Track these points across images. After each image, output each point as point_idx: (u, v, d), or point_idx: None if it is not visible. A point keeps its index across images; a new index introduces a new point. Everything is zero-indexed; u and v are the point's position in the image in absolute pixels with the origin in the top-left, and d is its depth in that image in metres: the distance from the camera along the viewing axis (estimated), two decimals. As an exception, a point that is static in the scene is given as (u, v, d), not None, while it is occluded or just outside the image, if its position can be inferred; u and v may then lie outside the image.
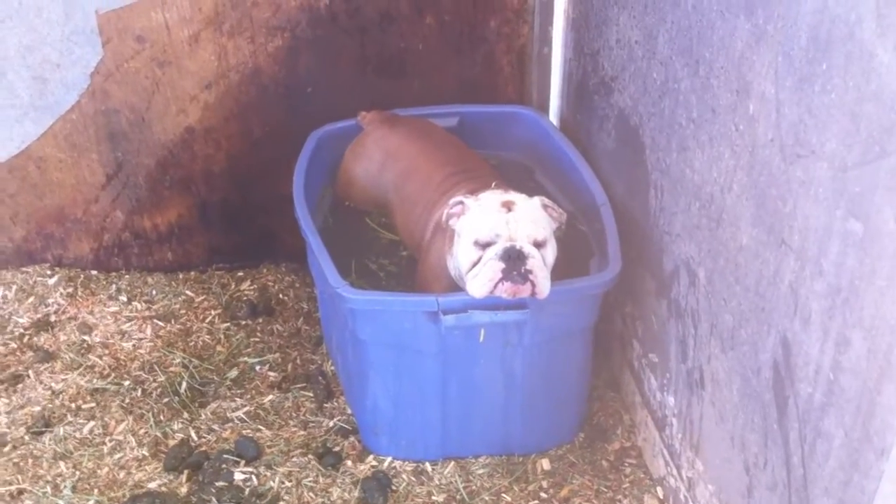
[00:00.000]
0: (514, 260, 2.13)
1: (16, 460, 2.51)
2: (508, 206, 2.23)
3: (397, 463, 2.52)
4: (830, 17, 1.44)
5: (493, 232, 2.18)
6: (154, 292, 3.09)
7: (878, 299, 1.39)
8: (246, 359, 2.84)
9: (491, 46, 2.99)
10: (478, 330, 2.25)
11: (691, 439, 2.20)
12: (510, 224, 2.19)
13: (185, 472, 2.48)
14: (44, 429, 2.60)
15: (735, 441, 1.94)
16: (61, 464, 2.50)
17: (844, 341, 1.48)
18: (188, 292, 3.10)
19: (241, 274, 3.18)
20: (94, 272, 3.15)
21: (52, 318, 2.96)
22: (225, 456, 2.51)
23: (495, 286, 2.14)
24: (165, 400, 2.69)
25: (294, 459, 2.51)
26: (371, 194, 2.76)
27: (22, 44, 2.76)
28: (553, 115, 3.09)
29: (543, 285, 2.15)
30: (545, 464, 2.52)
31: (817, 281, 1.55)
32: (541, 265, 2.15)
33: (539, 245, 2.18)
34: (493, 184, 2.44)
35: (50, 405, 2.67)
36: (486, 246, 2.18)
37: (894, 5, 1.28)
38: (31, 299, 3.03)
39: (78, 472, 2.48)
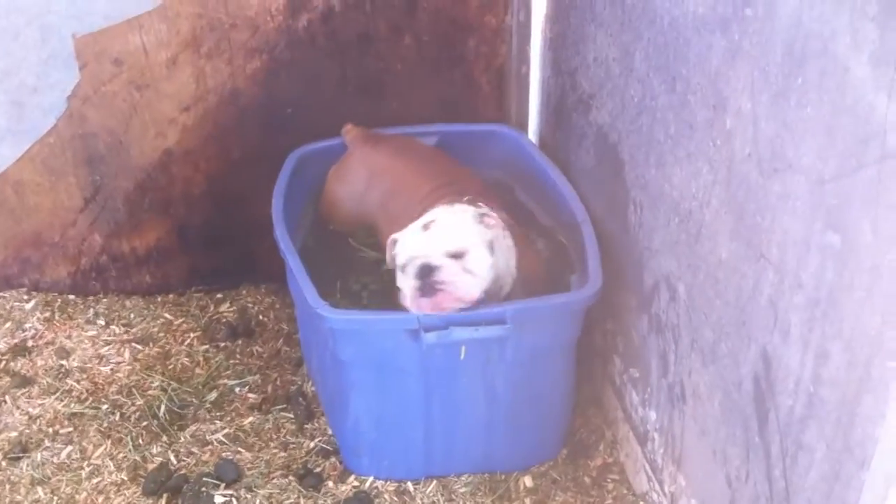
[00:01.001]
0: (425, 275, 2.20)
1: (-8, 487, 2.49)
2: (427, 226, 2.30)
3: (379, 483, 2.50)
4: (805, 33, 1.46)
5: (409, 255, 2.25)
6: (132, 315, 3.07)
7: (856, 311, 1.40)
8: (225, 381, 2.82)
9: (469, 66, 3.01)
10: (459, 347, 2.25)
11: (673, 454, 2.20)
12: (425, 243, 2.26)
13: (165, 495, 2.45)
14: (21, 454, 2.57)
15: (717, 455, 1.95)
16: (39, 489, 2.47)
17: (824, 353, 1.49)
18: (167, 315, 3.08)
19: (220, 296, 3.16)
20: (71, 296, 3.13)
21: (30, 343, 2.94)
22: (205, 479, 2.48)
23: (416, 303, 2.21)
24: (144, 423, 2.66)
25: (275, 481, 2.49)
26: (357, 215, 2.76)
27: (-2, 67, 2.75)
28: (532, 134, 3.10)
29: (464, 290, 2.21)
30: (528, 481, 2.51)
31: (796, 294, 1.56)
32: (456, 272, 2.20)
33: (457, 255, 2.23)
34: (466, 197, 2.44)
35: (27, 430, 2.64)
36: (405, 269, 2.25)
37: (867, 20, 1.29)
38: (7, 324, 3.00)
39: (56, 498, 2.45)
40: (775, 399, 1.66)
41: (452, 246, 2.24)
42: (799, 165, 1.50)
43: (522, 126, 3.11)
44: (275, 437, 2.64)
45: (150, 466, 2.53)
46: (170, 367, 2.86)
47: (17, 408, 2.72)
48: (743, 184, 1.70)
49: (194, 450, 2.59)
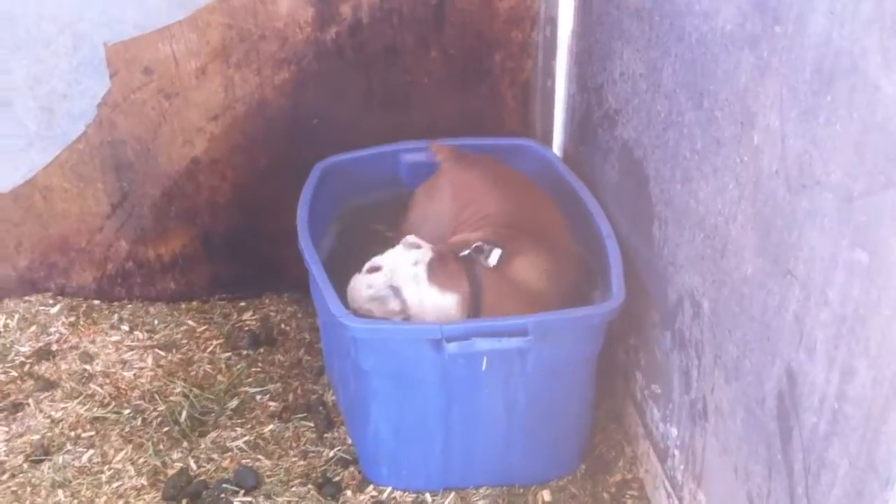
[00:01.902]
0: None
1: (14, 489, 2.50)
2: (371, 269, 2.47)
3: (397, 493, 2.51)
4: (835, 51, 1.46)
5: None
6: (156, 322, 3.09)
7: (883, 328, 1.39)
8: (247, 388, 2.84)
9: (495, 80, 3.02)
10: (480, 358, 2.25)
11: (694, 471, 2.19)
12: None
13: (184, 501, 2.46)
14: (43, 457, 2.59)
15: (738, 472, 1.94)
16: (59, 492, 2.49)
17: (849, 370, 1.49)
18: (190, 322, 3.10)
19: (243, 304, 3.19)
20: (96, 301, 3.16)
21: (54, 347, 2.96)
22: (224, 485, 2.50)
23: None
24: (165, 429, 2.68)
25: (294, 489, 2.50)
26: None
27: (30, 74, 2.78)
28: (556, 148, 3.11)
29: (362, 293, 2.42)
30: (546, 495, 2.51)
31: (822, 310, 1.55)
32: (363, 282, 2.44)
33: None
34: (476, 242, 2.47)
35: (49, 433, 2.66)
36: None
37: (898, 37, 1.30)
38: (32, 328, 3.03)
39: (76, 501, 2.46)
40: (799, 416, 1.66)
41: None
42: (827, 182, 1.50)
43: (547, 141, 3.12)
44: (294, 445, 2.65)
45: (170, 472, 2.55)
46: (192, 373, 2.88)
47: (40, 411, 2.74)
48: (770, 200, 1.70)
49: (214, 456, 2.60)
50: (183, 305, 3.17)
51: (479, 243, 2.43)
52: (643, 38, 2.30)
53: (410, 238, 2.50)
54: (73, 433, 2.67)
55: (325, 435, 2.68)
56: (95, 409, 2.74)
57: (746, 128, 1.77)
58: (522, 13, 2.92)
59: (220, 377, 2.87)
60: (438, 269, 2.40)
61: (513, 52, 2.99)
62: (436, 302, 2.39)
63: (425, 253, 2.44)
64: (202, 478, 2.53)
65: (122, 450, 2.61)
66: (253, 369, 2.91)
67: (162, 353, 2.95)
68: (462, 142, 2.96)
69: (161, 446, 2.63)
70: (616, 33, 2.49)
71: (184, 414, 2.71)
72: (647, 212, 2.35)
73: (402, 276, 2.40)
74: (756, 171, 1.75)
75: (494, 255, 2.40)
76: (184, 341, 3.01)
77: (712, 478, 2.10)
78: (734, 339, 1.91)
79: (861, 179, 1.41)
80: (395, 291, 2.39)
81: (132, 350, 2.96)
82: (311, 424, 2.71)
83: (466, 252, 2.43)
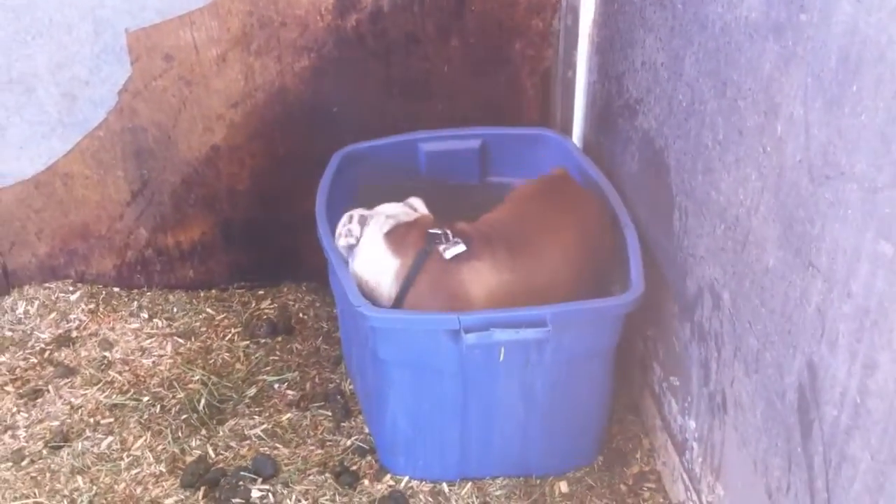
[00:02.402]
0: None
1: (33, 474, 2.52)
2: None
3: (414, 483, 2.51)
4: (861, 39, 1.44)
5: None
6: (175, 310, 3.10)
7: (907, 321, 1.38)
8: (265, 377, 2.84)
9: (515, 69, 3.01)
10: (498, 348, 2.24)
11: (712, 464, 2.18)
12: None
13: (202, 488, 2.48)
14: (62, 443, 2.60)
15: (757, 465, 1.92)
16: (79, 478, 2.50)
17: (872, 364, 1.47)
18: (209, 310, 3.10)
19: (261, 292, 3.19)
20: (116, 289, 3.17)
21: (74, 334, 2.98)
22: (242, 473, 2.50)
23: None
24: (184, 416, 2.69)
25: (311, 478, 2.50)
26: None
27: (52, 61, 2.79)
28: (576, 138, 3.09)
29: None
30: (563, 486, 2.50)
31: (845, 303, 1.54)
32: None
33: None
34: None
35: (69, 420, 2.68)
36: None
37: (926, 26, 1.28)
38: (52, 315, 3.05)
39: (95, 488, 2.48)
40: (820, 409, 1.64)
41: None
42: (852, 173, 1.48)
43: (567, 130, 3.10)
44: (312, 433, 2.65)
45: (189, 459, 2.56)
46: (210, 361, 2.89)
47: (60, 397, 2.76)
48: (793, 191, 1.68)
49: (232, 444, 2.61)
50: (202, 293, 3.18)
51: (448, 231, 2.43)
52: (665, 26, 2.28)
53: (415, 200, 2.60)
54: (92, 420, 2.68)
55: (343, 424, 2.68)
56: (115, 396, 2.75)
57: (770, 117, 1.75)
58: (543, 1, 2.90)
59: (238, 365, 2.88)
60: (401, 232, 2.46)
61: (533, 40, 2.97)
62: (376, 255, 2.44)
63: (408, 215, 2.51)
64: (220, 465, 2.54)
65: (140, 437, 2.62)
66: (271, 358, 2.91)
67: (181, 340, 2.96)
68: (480, 131, 2.95)
69: (179, 434, 2.64)
70: (638, 22, 2.47)
71: (202, 402, 2.72)
72: (667, 202, 2.33)
73: (377, 215, 2.51)
74: (779, 162, 1.73)
75: (453, 250, 2.38)
76: (202, 329, 3.02)
77: (731, 471, 2.09)
78: (755, 332, 1.89)
79: (886, 170, 1.39)
80: (362, 221, 2.49)
81: (151, 337, 2.97)
82: (329, 413, 2.71)
83: (435, 231, 2.43)
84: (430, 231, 2.44)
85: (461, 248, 2.38)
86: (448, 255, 2.38)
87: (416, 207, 2.59)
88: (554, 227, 2.50)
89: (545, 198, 2.64)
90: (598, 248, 2.53)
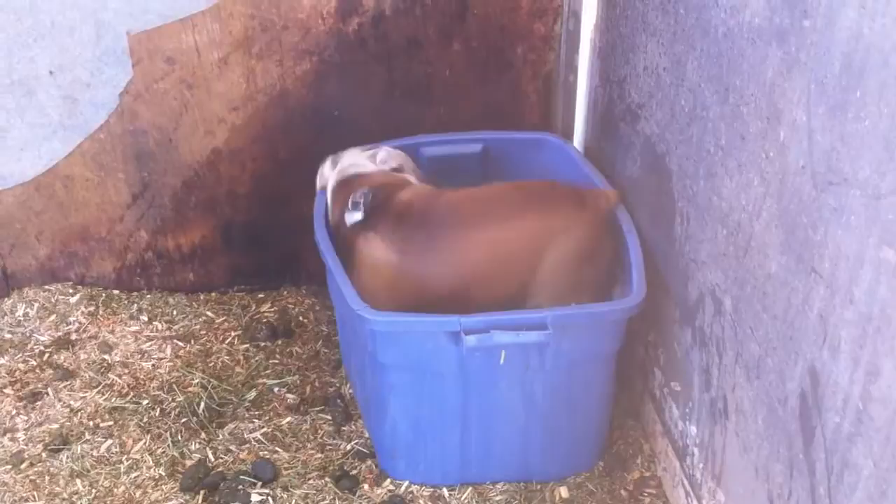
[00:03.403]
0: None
1: (32, 477, 2.51)
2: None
3: (414, 488, 2.50)
4: (865, 45, 1.44)
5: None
6: (175, 312, 3.09)
7: (910, 328, 1.37)
8: (264, 380, 2.84)
9: (517, 73, 3.01)
10: (499, 352, 2.24)
11: (713, 469, 2.17)
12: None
13: (202, 492, 2.47)
14: (61, 446, 2.60)
15: (759, 471, 1.92)
16: (77, 482, 2.50)
17: (874, 370, 1.47)
18: (209, 313, 3.10)
19: (261, 296, 3.19)
20: (115, 291, 3.16)
21: (73, 337, 2.97)
22: (241, 477, 2.50)
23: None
24: (183, 420, 2.68)
25: (311, 482, 2.50)
26: None
27: (53, 63, 2.79)
28: (578, 143, 3.09)
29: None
30: (563, 492, 2.49)
31: (848, 309, 1.53)
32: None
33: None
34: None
35: (68, 423, 2.67)
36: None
37: (930, 32, 1.27)
38: (52, 317, 3.04)
39: (94, 491, 2.47)
40: (822, 416, 1.63)
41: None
42: (855, 179, 1.48)
43: (568, 135, 3.10)
44: (312, 438, 2.65)
45: (188, 463, 2.55)
46: (210, 364, 2.88)
47: (59, 400, 2.75)
48: (795, 197, 1.68)
49: (232, 448, 2.60)
50: (202, 296, 3.17)
51: (362, 199, 2.49)
52: (668, 31, 2.27)
53: (382, 152, 2.73)
54: (91, 423, 2.67)
55: (343, 428, 2.68)
56: (114, 399, 2.75)
57: (773, 123, 1.75)
58: (545, 6, 2.90)
59: (238, 369, 2.87)
60: (344, 188, 2.62)
61: (535, 44, 2.97)
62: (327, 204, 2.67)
63: (363, 167, 2.69)
64: (220, 469, 2.54)
65: (140, 440, 2.62)
66: (271, 361, 2.91)
67: (181, 343, 2.96)
68: (482, 135, 2.94)
69: (179, 437, 2.63)
70: (640, 27, 2.47)
71: (202, 405, 2.72)
72: (668, 207, 2.33)
73: (346, 158, 2.73)
74: (782, 168, 1.72)
75: (349, 217, 2.50)
76: (202, 332, 3.01)
77: (732, 477, 2.08)
78: (756, 338, 1.88)
79: (889, 177, 1.39)
80: (333, 161, 2.75)
81: (151, 340, 2.97)
82: (329, 417, 2.71)
83: (355, 194, 2.51)
84: (353, 193, 2.53)
85: (357, 216, 2.48)
86: (347, 219, 2.49)
87: (376, 160, 2.69)
88: (503, 226, 2.44)
89: (518, 197, 2.54)
90: (575, 258, 2.46)
